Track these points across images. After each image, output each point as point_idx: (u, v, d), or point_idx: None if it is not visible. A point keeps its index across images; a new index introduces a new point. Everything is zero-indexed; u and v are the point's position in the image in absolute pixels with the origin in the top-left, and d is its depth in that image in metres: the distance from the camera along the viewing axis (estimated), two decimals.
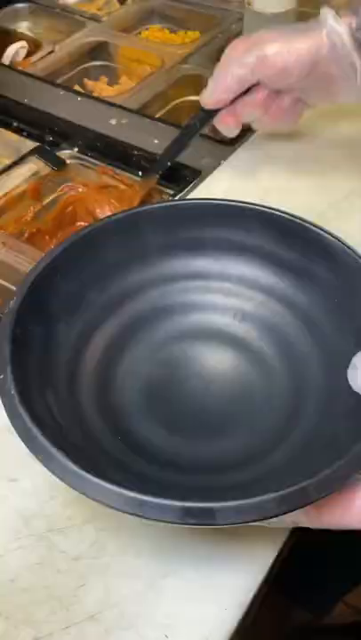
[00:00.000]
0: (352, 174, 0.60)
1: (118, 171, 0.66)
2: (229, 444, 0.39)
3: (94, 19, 0.90)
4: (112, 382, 0.42)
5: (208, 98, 0.56)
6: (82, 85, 0.86)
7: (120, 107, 0.71)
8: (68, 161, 0.67)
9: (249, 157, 0.64)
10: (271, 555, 0.38)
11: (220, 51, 0.85)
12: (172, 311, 0.45)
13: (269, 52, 0.51)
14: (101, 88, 0.85)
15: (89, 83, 0.87)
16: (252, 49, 0.52)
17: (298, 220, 0.42)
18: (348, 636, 1.04)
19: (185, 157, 0.64)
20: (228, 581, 0.36)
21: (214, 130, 0.77)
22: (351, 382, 0.35)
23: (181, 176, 0.62)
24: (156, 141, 0.66)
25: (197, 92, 0.82)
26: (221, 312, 0.45)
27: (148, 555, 0.37)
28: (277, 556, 0.38)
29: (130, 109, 0.71)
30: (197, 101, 0.81)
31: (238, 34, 0.84)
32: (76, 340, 0.42)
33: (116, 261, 0.44)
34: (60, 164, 0.66)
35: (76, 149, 0.68)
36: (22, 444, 0.41)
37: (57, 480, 0.40)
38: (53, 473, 0.32)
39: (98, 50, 0.88)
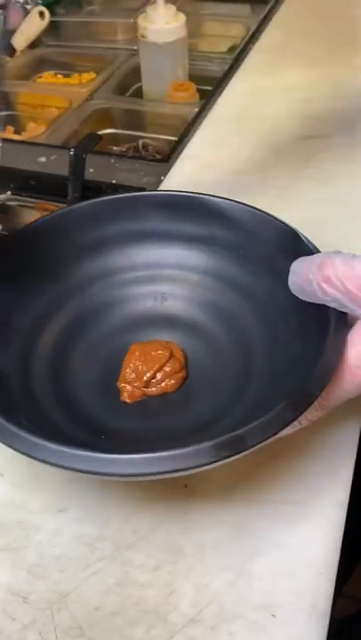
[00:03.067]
0: (287, 167, 0.64)
1: (60, 204, 0.66)
2: (192, 413, 0.41)
3: None
4: (66, 375, 0.43)
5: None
6: None
7: (45, 145, 0.72)
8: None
9: (188, 169, 0.66)
10: (341, 515, 0.38)
11: (121, 84, 0.90)
12: (110, 305, 0.47)
13: None
14: (10, 137, 0.85)
15: None
16: None
17: (184, 194, 0.46)
18: (356, 626, 1.04)
19: (126, 179, 0.66)
20: (312, 547, 0.36)
21: (145, 148, 0.80)
22: (290, 286, 0.37)
23: None
24: (91, 170, 0.67)
25: (111, 125, 0.85)
26: (153, 297, 0.47)
27: (227, 545, 0.37)
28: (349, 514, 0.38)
29: (56, 145, 0.71)
30: (116, 133, 0.85)
31: (136, 67, 0.88)
32: (29, 330, 0.43)
33: (59, 257, 0.45)
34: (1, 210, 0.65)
35: (9, 193, 0.68)
36: (61, 474, 0.39)
37: (109, 500, 0.39)
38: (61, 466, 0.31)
39: None
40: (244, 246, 0.45)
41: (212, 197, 0.45)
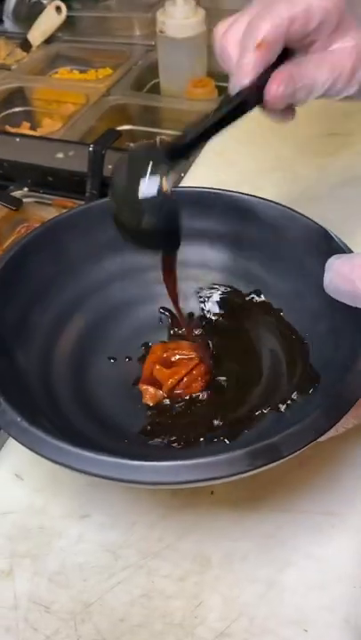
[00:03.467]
0: (311, 164, 0.63)
1: (77, 201, 0.64)
2: (217, 416, 0.39)
3: (3, 68, 0.89)
4: (86, 376, 0.41)
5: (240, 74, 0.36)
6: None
7: (63, 141, 0.71)
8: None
9: (209, 166, 0.65)
10: None
11: (138, 80, 0.88)
12: (132, 304, 0.45)
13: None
14: (26, 133, 0.84)
15: (12, 130, 0.85)
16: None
17: (208, 190, 0.45)
18: None
19: None
20: (345, 559, 0.35)
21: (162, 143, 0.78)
22: (326, 284, 0.35)
23: None
24: (110, 167, 0.65)
25: (128, 121, 0.84)
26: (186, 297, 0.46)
27: (256, 555, 0.35)
28: None
29: (75, 142, 0.70)
30: (133, 130, 0.83)
31: (153, 62, 0.86)
32: (49, 328, 0.42)
33: (79, 255, 0.44)
34: (18, 204, 0.63)
35: (25, 189, 0.66)
36: (84, 478, 0.38)
37: (134, 506, 0.37)
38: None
39: (14, 97, 0.87)
40: (271, 245, 0.43)
41: (238, 194, 0.44)
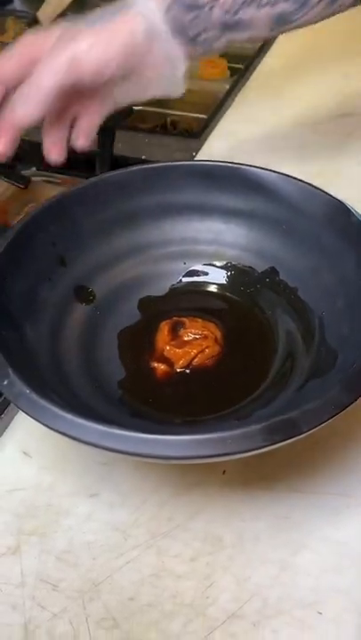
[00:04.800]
0: (326, 144, 0.61)
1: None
2: (226, 394, 0.39)
3: None
4: (95, 353, 0.41)
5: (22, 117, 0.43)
6: None
7: None
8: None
9: (221, 145, 0.63)
10: None
11: None
12: (142, 282, 0.45)
13: (82, 47, 0.40)
14: None
15: None
16: (59, 48, 0.40)
17: (223, 164, 0.43)
18: None
19: (156, 155, 0.63)
20: (360, 541, 0.34)
21: (173, 125, 0.77)
22: None
23: None
24: (119, 145, 0.64)
25: None
26: (188, 274, 0.45)
27: (269, 536, 0.34)
28: None
29: None
30: (143, 110, 0.82)
31: None
32: (58, 305, 0.41)
33: (88, 230, 0.44)
34: (26, 181, 0.62)
35: (34, 168, 0.65)
36: (93, 456, 0.37)
37: (144, 485, 0.36)
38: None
39: None
40: (287, 221, 0.42)
41: (253, 168, 0.43)
